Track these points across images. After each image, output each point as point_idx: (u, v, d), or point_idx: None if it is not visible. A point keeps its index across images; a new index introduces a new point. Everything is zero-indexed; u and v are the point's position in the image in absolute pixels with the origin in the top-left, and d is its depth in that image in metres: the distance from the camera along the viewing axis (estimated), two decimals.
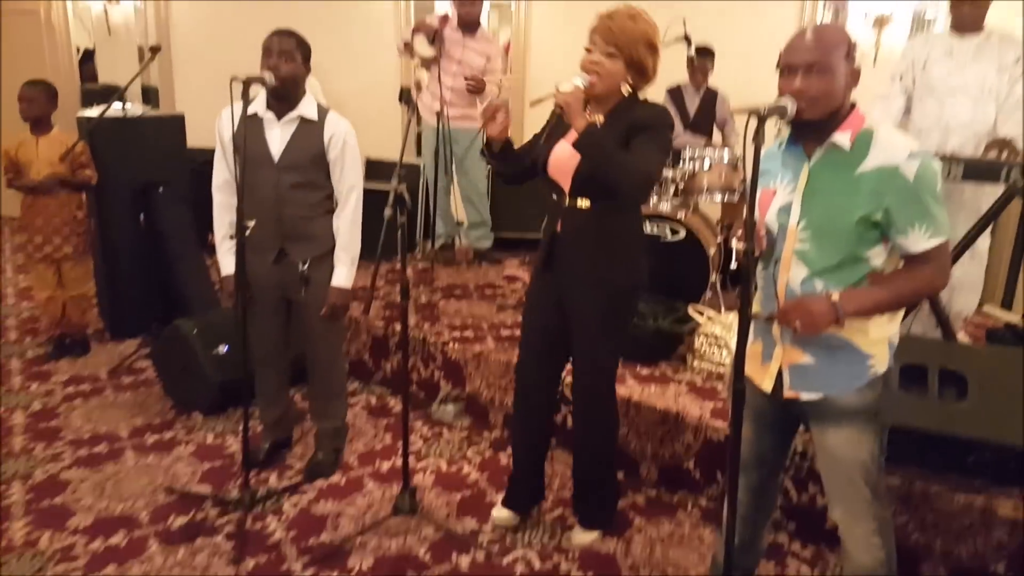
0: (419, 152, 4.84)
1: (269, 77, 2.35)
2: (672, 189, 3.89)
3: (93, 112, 3.74)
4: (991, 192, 2.96)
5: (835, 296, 1.60)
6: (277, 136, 2.47)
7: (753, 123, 1.62)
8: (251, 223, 2.37)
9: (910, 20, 4.69)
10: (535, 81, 5.46)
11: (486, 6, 5.17)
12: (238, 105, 2.29)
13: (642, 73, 2.13)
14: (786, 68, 1.62)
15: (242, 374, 2.50)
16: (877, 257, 1.63)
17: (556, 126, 2.17)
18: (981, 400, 2.29)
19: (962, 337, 3.36)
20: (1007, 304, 3.97)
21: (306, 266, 2.55)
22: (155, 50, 3.53)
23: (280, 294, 2.63)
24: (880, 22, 4.73)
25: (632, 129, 2.07)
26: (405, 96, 2.33)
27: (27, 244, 3.64)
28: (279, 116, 2.46)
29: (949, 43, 3.14)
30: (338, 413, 2.86)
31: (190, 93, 5.89)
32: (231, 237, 2.34)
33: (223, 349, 3.17)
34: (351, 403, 3.35)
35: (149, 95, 5.90)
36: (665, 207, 3.76)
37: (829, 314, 1.59)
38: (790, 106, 1.63)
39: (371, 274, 2.50)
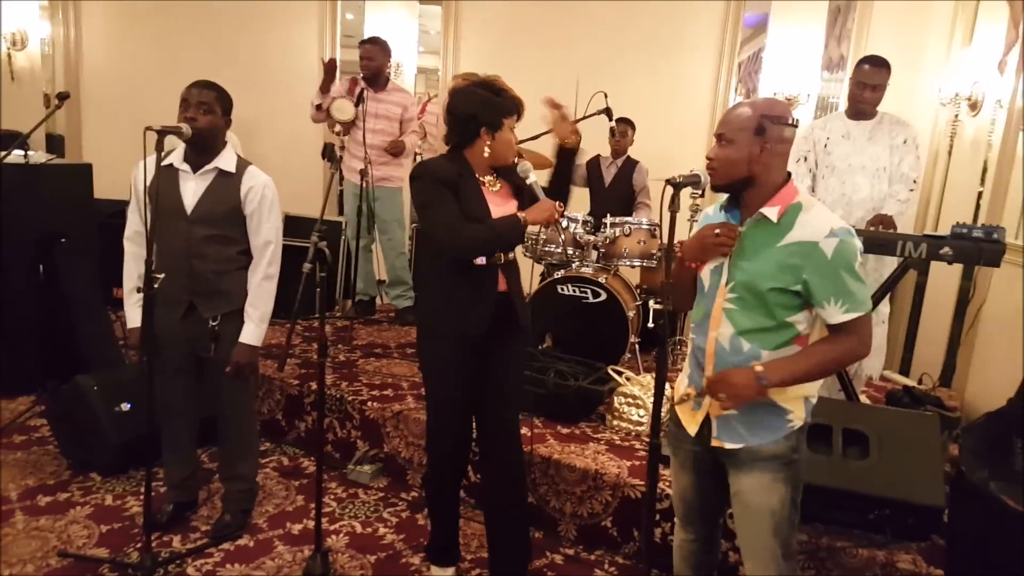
0: (340, 210, 4.82)
1: (186, 129, 2.31)
2: (594, 254, 4.02)
3: None
4: (890, 262, 3.21)
5: (759, 368, 1.68)
6: (192, 188, 2.42)
7: (669, 191, 1.75)
8: (160, 276, 2.28)
9: (814, 103, 5.09)
10: None
11: (403, 64, 5.32)
12: (153, 156, 2.23)
13: None
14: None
15: (145, 432, 2.37)
16: (801, 323, 1.71)
17: (461, 186, 2.20)
18: (881, 458, 2.40)
19: (864, 400, 3.55)
20: (904, 370, 4.25)
21: (216, 322, 2.47)
22: (62, 97, 3.40)
23: (189, 350, 2.53)
24: (788, 103, 5.10)
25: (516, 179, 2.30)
26: (328, 152, 2.33)
27: None
28: (195, 168, 2.42)
29: (846, 126, 3.40)
30: (247, 473, 2.73)
31: (100, 142, 5.70)
32: (139, 290, 2.25)
33: (126, 407, 3.00)
34: (262, 463, 3.21)
35: (54, 143, 5.67)
36: (587, 270, 3.87)
37: (752, 386, 1.67)
38: (703, 176, 1.76)
39: (287, 330, 2.43)
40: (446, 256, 2.21)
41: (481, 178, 2.23)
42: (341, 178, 4.51)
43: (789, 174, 1.77)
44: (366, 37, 4.40)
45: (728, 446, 1.79)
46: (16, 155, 3.55)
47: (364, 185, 4.16)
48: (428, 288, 2.34)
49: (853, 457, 2.44)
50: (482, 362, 2.28)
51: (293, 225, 4.68)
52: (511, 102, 2.19)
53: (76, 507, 2.79)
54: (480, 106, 2.17)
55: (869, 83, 3.27)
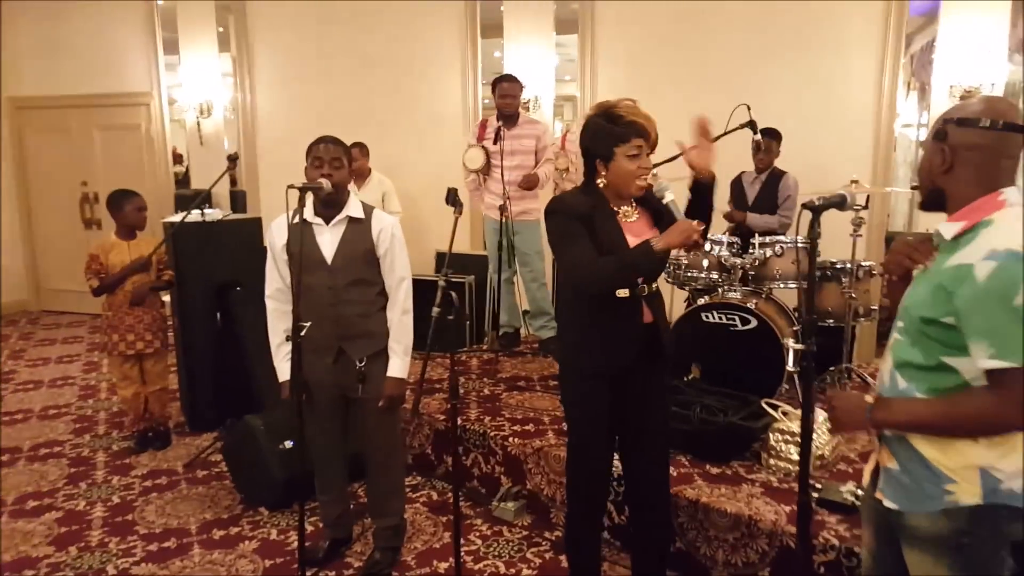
0: (485, 245, 4.94)
1: (326, 184, 2.45)
2: (740, 276, 3.79)
3: (175, 218, 4.02)
4: None
5: (869, 398, 1.51)
6: (328, 239, 2.55)
7: (807, 216, 1.59)
8: (307, 324, 2.42)
9: (1002, 92, 4.50)
10: None
11: (541, 95, 5.35)
12: (285, 214, 2.39)
13: None
14: None
15: (305, 470, 2.50)
16: (966, 367, 1.41)
17: (596, 220, 2.14)
18: None
19: None
20: None
21: (363, 363, 2.58)
22: (232, 159, 3.79)
23: (338, 392, 2.66)
24: (968, 96, 4.55)
25: (655, 202, 2.17)
26: (451, 197, 2.40)
27: (116, 342, 3.82)
28: (327, 220, 2.55)
29: None
30: (396, 510, 2.82)
31: (275, 197, 6.26)
32: (287, 340, 2.40)
33: (288, 444, 3.22)
34: (412, 498, 3.31)
35: (237, 199, 6.31)
36: (735, 295, 3.65)
37: (855, 414, 1.52)
38: (848, 198, 1.60)
39: (421, 367, 2.50)
40: (584, 292, 2.17)
41: (617, 208, 2.16)
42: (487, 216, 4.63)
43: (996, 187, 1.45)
44: (503, 74, 4.51)
45: (885, 503, 1.55)
46: (195, 213, 3.99)
47: (503, 220, 4.24)
48: (570, 323, 2.29)
49: None
50: (625, 396, 2.21)
51: (448, 261, 4.90)
52: (626, 128, 2.06)
53: (245, 541, 3.02)
54: (591, 138, 2.13)
55: None
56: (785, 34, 4.96)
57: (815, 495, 2.62)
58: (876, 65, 4.80)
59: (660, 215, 2.20)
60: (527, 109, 4.90)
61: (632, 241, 2.12)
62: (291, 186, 2.34)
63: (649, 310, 2.18)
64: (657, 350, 2.20)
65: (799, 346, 1.57)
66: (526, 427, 3.40)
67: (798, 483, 1.60)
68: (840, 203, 1.60)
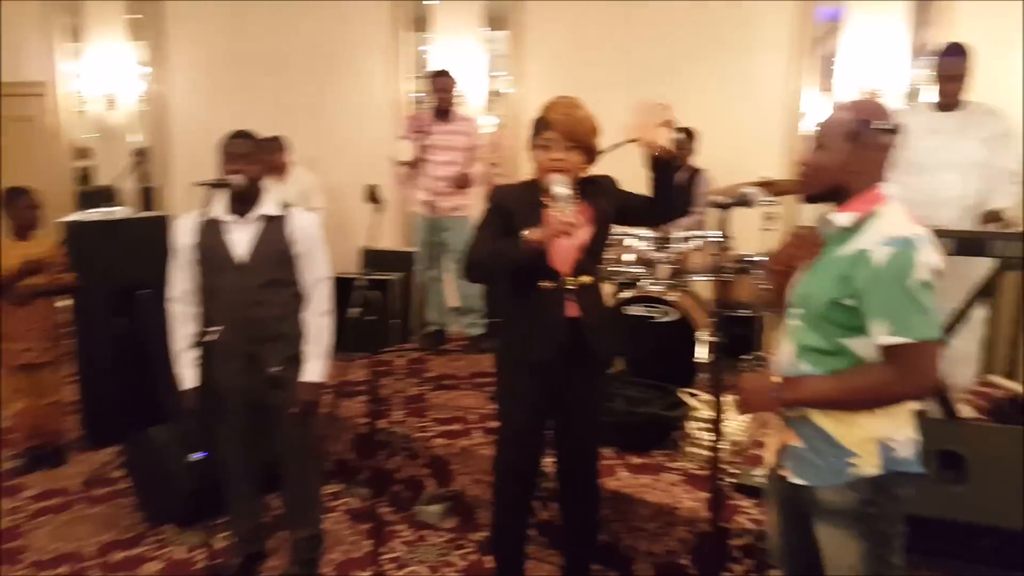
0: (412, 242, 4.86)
1: (236, 179, 2.34)
2: (663, 270, 3.84)
3: (75, 216, 3.76)
4: (985, 263, 2.86)
5: (776, 378, 1.56)
6: (240, 238, 2.43)
7: (716, 213, 1.64)
8: (217, 329, 2.30)
9: (902, 95, 4.73)
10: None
11: (471, 90, 5.29)
12: (195, 211, 2.27)
13: (593, 156, 2.19)
14: None
15: (215, 483, 2.39)
16: (863, 348, 1.52)
17: (517, 214, 2.15)
18: (980, 483, 2.17)
19: (965, 409, 3.23)
20: (1011, 375, 3.86)
21: (278, 368, 2.47)
22: (139, 153, 3.58)
23: (250, 399, 2.53)
24: (869, 97, 4.77)
25: (617, 200, 2.21)
26: (372, 194, 2.33)
27: (4, 352, 3.53)
28: (240, 217, 2.43)
29: (932, 118, 3.14)
30: (313, 520, 2.72)
31: (188, 194, 5.97)
32: (192, 347, 2.27)
33: (197, 456, 3.05)
34: (332, 506, 3.21)
35: (148, 197, 5.99)
36: (656, 288, 3.70)
37: (765, 395, 1.56)
38: (752, 195, 1.67)
39: (344, 368, 2.42)
40: (513, 281, 2.18)
41: (549, 201, 2.13)
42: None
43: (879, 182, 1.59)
44: (438, 69, 4.43)
45: (793, 480, 1.62)
46: (97, 211, 3.75)
47: (429, 216, 4.19)
48: (502, 315, 2.34)
49: (950, 481, 2.21)
50: (555, 391, 2.21)
51: (373, 258, 4.79)
52: (538, 122, 2.15)
53: (149, 562, 2.85)
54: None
55: (947, 74, 3.05)
56: (705, 35, 5.06)
57: (731, 481, 2.68)
58: (786, 67, 4.98)
59: (606, 213, 2.19)
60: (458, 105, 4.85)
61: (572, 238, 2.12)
62: (198, 182, 2.21)
63: (576, 304, 2.16)
64: (583, 346, 2.18)
65: (708, 337, 1.62)
66: (452, 427, 3.35)
67: (710, 467, 1.64)
68: (744, 201, 1.67)
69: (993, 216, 2.95)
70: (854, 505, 1.54)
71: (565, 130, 2.09)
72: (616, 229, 2.41)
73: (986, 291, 2.87)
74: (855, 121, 1.57)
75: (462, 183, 4.27)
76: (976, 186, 3.06)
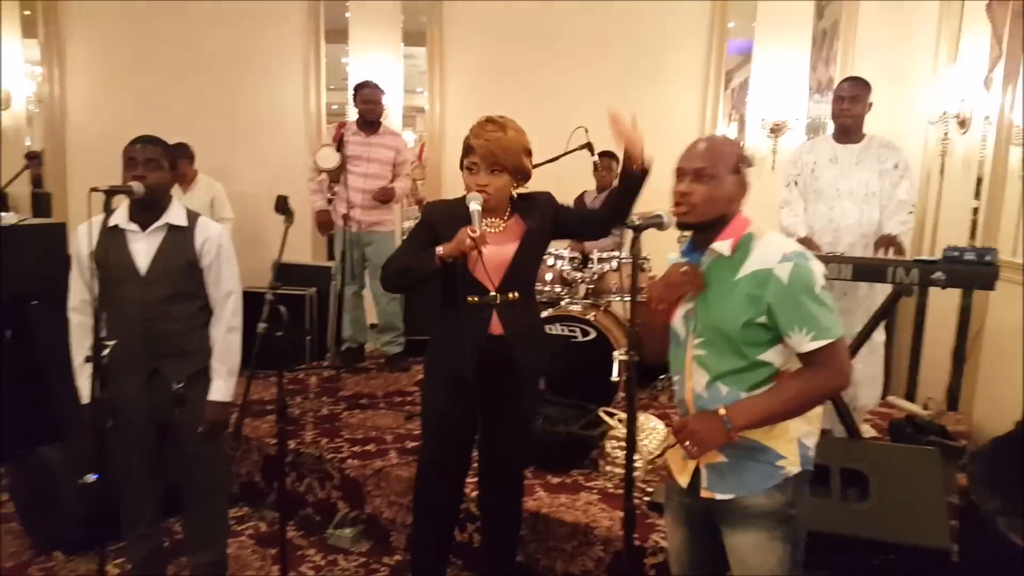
0: (331, 256, 4.75)
1: (137, 187, 2.21)
2: (582, 290, 3.90)
3: None
4: (883, 289, 3.07)
5: (722, 411, 1.58)
6: (143, 248, 2.30)
7: (630, 235, 1.67)
8: (112, 343, 2.16)
9: (804, 127, 5.00)
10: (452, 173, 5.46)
11: (389, 105, 5.25)
12: (97, 218, 2.14)
13: (525, 175, 2.20)
14: (678, 172, 1.70)
15: (110, 506, 2.26)
16: (775, 357, 1.62)
17: (443, 229, 2.14)
18: (883, 499, 2.28)
19: (866, 430, 3.41)
20: (910, 395, 4.11)
21: (181, 385, 2.34)
22: (31, 156, 3.36)
23: (150, 417, 2.38)
24: (776, 129, 5.03)
25: (552, 216, 2.23)
26: (281, 206, 2.25)
27: None
28: (144, 226, 2.31)
29: (833, 150, 3.30)
30: (217, 545, 2.57)
31: (83, 201, 5.63)
32: (88, 360, 2.13)
33: (91, 478, 2.85)
34: (238, 530, 3.07)
35: (41, 202, 5.62)
36: (576, 307, 3.74)
37: (717, 431, 1.58)
38: (665, 218, 1.68)
39: (253, 387, 2.31)
40: (440, 294, 2.18)
41: (487, 219, 2.15)
42: (331, 226, 4.42)
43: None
44: (364, 80, 4.37)
45: (719, 497, 1.66)
46: None
47: (347, 230, 4.10)
48: (429, 331, 2.32)
49: (853, 499, 2.31)
50: (481, 411, 2.16)
51: (286, 272, 4.61)
52: (465, 146, 2.16)
53: None
54: None
55: (845, 95, 3.21)
56: (622, 63, 5.22)
57: (646, 499, 2.71)
58: (699, 97, 5.19)
59: (537, 230, 2.19)
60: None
61: (485, 252, 2.08)
62: (95, 189, 2.09)
63: (500, 321, 2.15)
64: (507, 363, 2.17)
65: (623, 356, 1.66)
66: (367, 447, 3.26)
67: (624, 490, 1.67)
68: (659, 223, 1.68)
69: (887, 240, 3.11)
70: (780, 506, 1.62)
71: (486, 154, 2.10)
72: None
73: (884, 315, 3.04)
74: (738, 155, 1.69)
75: (385, 198, 4.21)
76: (872, 215, 3.23)
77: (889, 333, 3.59)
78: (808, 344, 1.56)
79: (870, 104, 3.25)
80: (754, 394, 1.61)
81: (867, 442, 3.03)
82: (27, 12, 5.75)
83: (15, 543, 2.95)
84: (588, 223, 2.44)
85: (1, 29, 5.66)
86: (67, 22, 5.76)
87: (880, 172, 3.23)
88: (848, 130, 3.26)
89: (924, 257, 3.03)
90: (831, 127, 3.43)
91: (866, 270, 2.88)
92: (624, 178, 2.14)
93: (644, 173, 2.13)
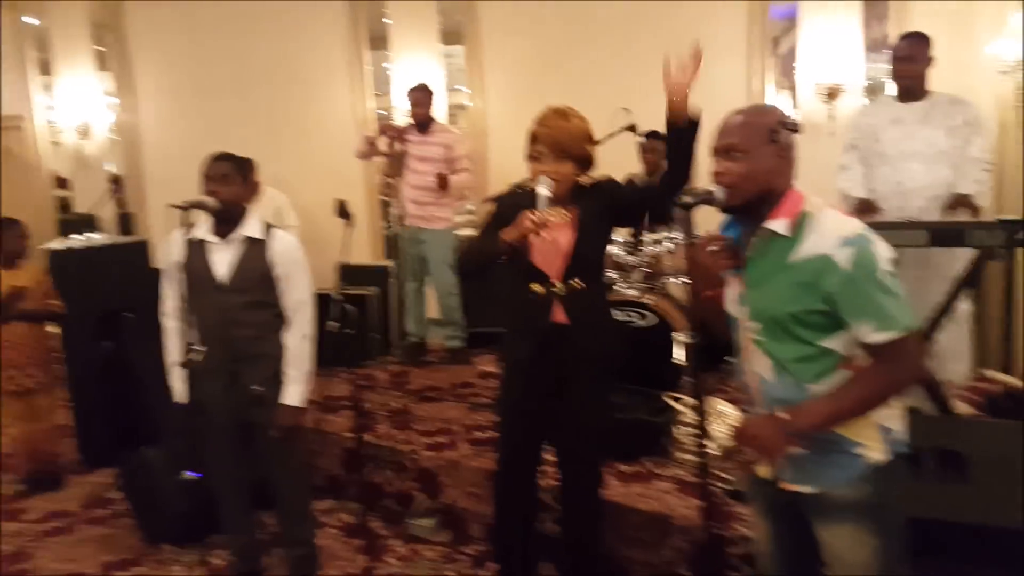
0: (389, 255, 4.91)
1: (211, 201, 2.38)
2: (638, 274, 3.88)
3: (57, 244, 3.79)
4: (963, 255, 2.80)
5: (784, 415, 1.51)
6: (222, 258, 2.47)
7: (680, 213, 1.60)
8: (201, 349, 2.34)
9: (862, 89, 4.81)
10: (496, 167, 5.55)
11: (440, 104, 5.34)
12: (184, 231, 2.32)
13: (589, 162, 2.23)
14: (712, 151, 1.61)
15: (210, 501, 2.44)
16: (841, 345, 1.52)
17: (508, 215, 2.17)
18: (983, 482, 2.08)
19: (962, 407, 3.14)
20: (1006, 368, 3.83)
21: (259, 387, 2.50)
22: (114, 181, 3.61)
23: (236, 418, 2.56)
24: (832, 93, 4.84)
25: (610, 199, 2.23)
26: (341, 210, 2.38)
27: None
28: (223, 238, 2.48)
29: (896, 110, 3.16)
30: (306, 537, 2.74)
31: (162, 218, 5.96)
32: (182, 364, 2.32)
33: (189, 475, 3.06)
34: (325, 522, 3.21)
35: (126, 222, 6.00)
36: (632, 292, 3.73)
37: (779, 437, 1.50)
38: (717, 193, 1.58)
39: (326, 383, 2.47)
40: (509, 286, 2.25)
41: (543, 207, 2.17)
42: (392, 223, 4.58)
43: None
44: (415, 85, 4.50)
45: (800, 489, 1.59)
46: (78, 238, 3.78)
47: (407, 228, 4.26)
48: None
49: (951, 481, 2.10)
50: (552, 402, 2.22)
51: (348, 273, 4.80)
52: (530, 134, 2.20)
53: None
54: None
55: (903, 55, 3.07)
56: (661, 40, 5.04)
57: (725, 487, 2.59)
58: (743, 69, 5.03)
59: (595, 217, 2.21)
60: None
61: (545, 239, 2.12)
62: (171, 204, 2.27)
63: (563, 310, 2.18)
64: (573, 352, 2.19)
65: (685, 339, 1.60)
66: (438, 439, 3.37)
67: (700, 475, 1.63)
68: (709, 199, 1.59)
69: (961, 200, 2.94)
70: (867, 498, 1.53)
71: (551, 142, 2.14)
72: None
73: (969, 282, 2.77)
74: (774, 121, 1.56)
75: (442, 185, 4.29)
76: (942, 175, 3.05)
77: (977, 303, 3.37)
78: (873, 336, 1.46)
79: (931, 59, 3.09)
80: (823, 384, 1.53)
81: (961, 419, 2.81)
82: (100, 48, 6.11)
83: (130, 537, 3.19)
84: (646, 199, 2.38)
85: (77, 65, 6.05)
86: (135, 53, 6.12)
87: (948, 129, 3.06)
88: (910, 89, 3.11)
89: (1008, 217, 2.84)
90: (892, 87, 3.29)
91: (943, 234, 2.63)
92: (669, 135, 2.06)
93: (692, 127, 2.02)
